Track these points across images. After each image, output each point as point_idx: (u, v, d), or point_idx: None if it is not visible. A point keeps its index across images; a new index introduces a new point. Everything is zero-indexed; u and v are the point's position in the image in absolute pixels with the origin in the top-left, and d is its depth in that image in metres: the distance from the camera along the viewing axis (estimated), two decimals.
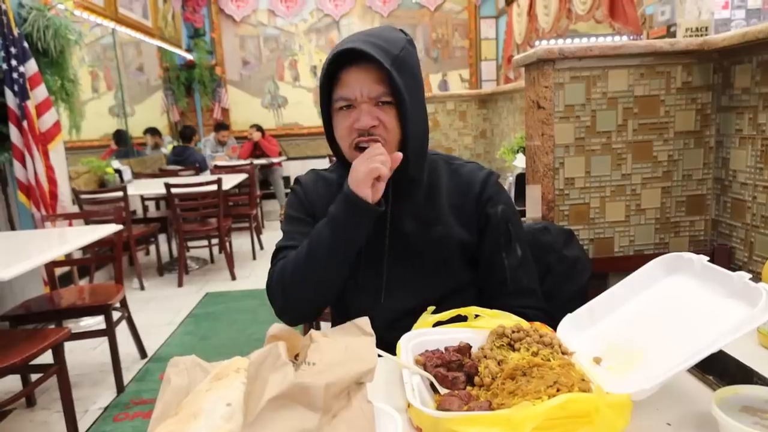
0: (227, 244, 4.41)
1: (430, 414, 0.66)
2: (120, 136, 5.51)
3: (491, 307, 0.96)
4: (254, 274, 4.44)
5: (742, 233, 1.50)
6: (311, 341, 0.63)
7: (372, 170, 0.93)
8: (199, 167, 5.64)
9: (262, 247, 5.27)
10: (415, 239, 1.07)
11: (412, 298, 1.06)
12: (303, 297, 1.03)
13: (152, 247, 4.78)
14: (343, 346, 0.63)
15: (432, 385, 0.78)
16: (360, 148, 0.99)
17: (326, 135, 1.07)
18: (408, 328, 0.92)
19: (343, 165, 1.08)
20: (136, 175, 5.03)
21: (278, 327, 0.62)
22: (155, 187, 4.47)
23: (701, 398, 0.75)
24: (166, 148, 6.24)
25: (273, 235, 5.70)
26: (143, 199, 5.13)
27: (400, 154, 0.97)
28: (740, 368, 0.82)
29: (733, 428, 0.61)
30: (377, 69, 0.96)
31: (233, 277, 4.31)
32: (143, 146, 6.05)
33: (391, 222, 1.07)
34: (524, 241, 1.13)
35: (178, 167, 5.56)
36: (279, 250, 1.12)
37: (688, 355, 0.68)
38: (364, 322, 0.66)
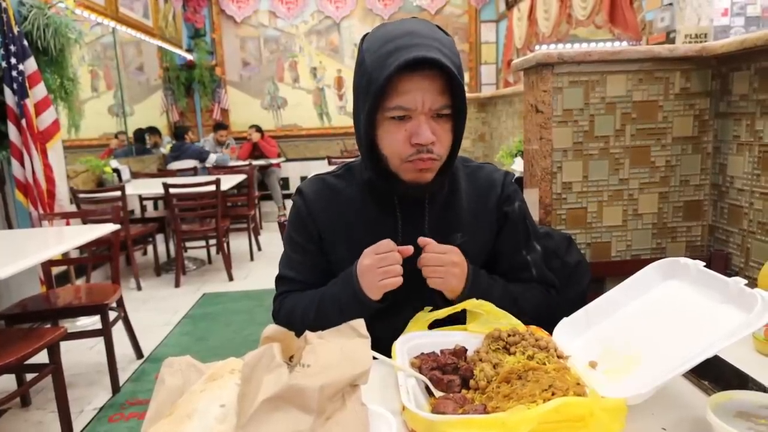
0: (225, 244, 4.40)
1: (425, 417, 0.66)
2: (140, 135, 5.62)
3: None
4: (252, 275, 4.44)
5: (738, 239, 1.50)
6: (306, 343, 0.62)
7: (385, 288, 0.93)
8: (200, 158, 5.70)
9: (260, 248, 5.27)
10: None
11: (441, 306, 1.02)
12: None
13: (150, 247, 4.78)
14: (338, 347, 0.63)
15: (427, 388, 0.78)
16: (414, 162, 0.92)
17: (364, 139, 0.95)
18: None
19: (372, 173, 0.99)
20: (135, 175, 5.03)
21: (273, 328, 0.62)
22: (154, 186, 4.47)
23: (696, 403, 0.75)
24: (165, 148, 6.24)
25: (271, 236, 5.69)
26: (141, 198, 5.12)
27: (410, 249, 0.94)
28: (735, 373, 0.82)
29: None
30: (440, 78, 0.88)
31: (230, 278, 4.31)
32: (155, 145, 6.08)
33: (410, 234, 1.01)
34: (539, 237, 1.13)
35: (178, 162, 5.59)
36: (281, 280, 1.11)
37: (683, 360, 0.68)
38: (359, 323, 0.66)
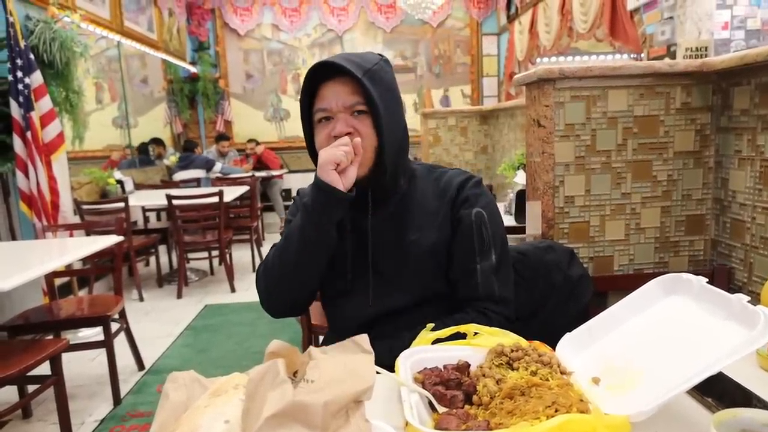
0: (227, 256, 4.41)
1: None
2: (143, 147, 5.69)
3: (458, 311, 1.07)
4: (254, 287, 4.42)
5: (741, 254, 1.50)
6: (310, 358, 0.63)
7: (331, 155, 0.98)
8: (207, 167, 5.75)
9: (262, 259, 5.27)
10: (392, 246, 1.11)
11: (398, 301, 1.11)
12: (281, 285, 1.10)
13: (152, 258, 4.78)
14: (342, 363, 0.63)
15: (430, 403, 0.78)
16: None
17: (308, 149, 1.11)
18: (395, 326, 1.03)
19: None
20: (138, 186, 5.05)
21: (277, 344, 0.62)
22: (157, 198, 4.48)
23: (700, 420, 0.75)
24: (169, 160, 6.27)
25: None
26: (144, 210, 5.14)
27: (358, 140, 1.01)
28: (739, 390, 0.81)
29: None
30: (351, 81, 1.02)
31: (233, 290, 4.31)
32: (159, 156, 6.11)
33: (372, 231, 1.12)
34: (503, 248, 1.12)
35: (186, 172, 5.63)
36: (272, 248, 1.18)
37: (686, 377, 0.68)
38: (363, 339, 0.66)
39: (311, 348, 0.66)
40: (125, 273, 4.26)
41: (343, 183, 0.99)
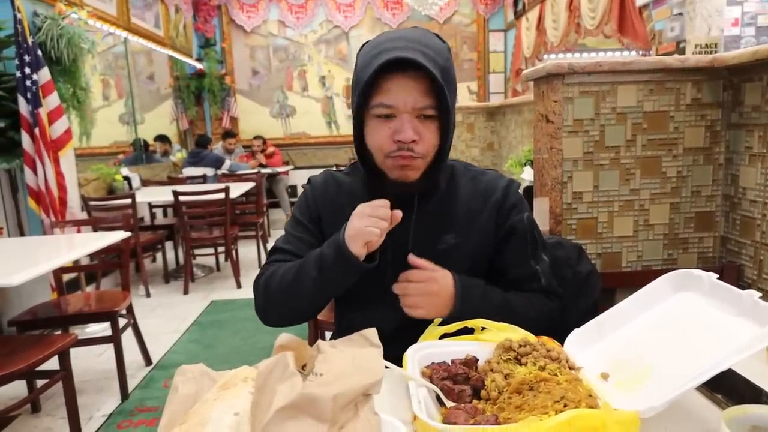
0: (233, 252, 4.42)
1: (436, 427, 0.66)
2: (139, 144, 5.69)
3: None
4: None
5: (751, 251, 1.49)
6: (319, 352, 0.63)
7: (365, 235, 0.90)
8: (216, 165, 5.77)
9: (261, 268, 5.28)
10: (431, 248, 1.05)
11: None
12: (281, 313, 1.07)
13: (159, 255, 4.80)
14: (351, 356, 0.63)
15: (438, 397, 0.78)
16: (395, 158, 0.96)
17: (354, 136, 1.02)
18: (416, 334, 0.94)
19: (363, 170, 1.05)
20: (145, 183, 5.07)
21: (286, 337, 0.62)
22: (164, 194, 4.50)
23: (710, 417, 0.75)
24: (175, 156, 6.29)
25: None
26: (151, 206, 5.16)
27: (399, 214, 0.93)
28: (749, 387, 0.81)
29: None
30: (425, 80, 0.92)
31: (239, 285, 4.32)
32: (153, 153, 6.11)
33: (413, 231, 1.05)
34: (546, 247, 1.13)
35: (196, 168, 5.65)
36: (274, 250, 1.13)
37: (696, 374, 0.68)
38: (371, 333, 0.66)
39: (320, 341, 0.66)
40: (132, 269, 4.28)
41: (367, 249, 0.93)
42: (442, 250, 1.05)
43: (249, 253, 5.25)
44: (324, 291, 1.01)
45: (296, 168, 7.45)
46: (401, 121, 0.94)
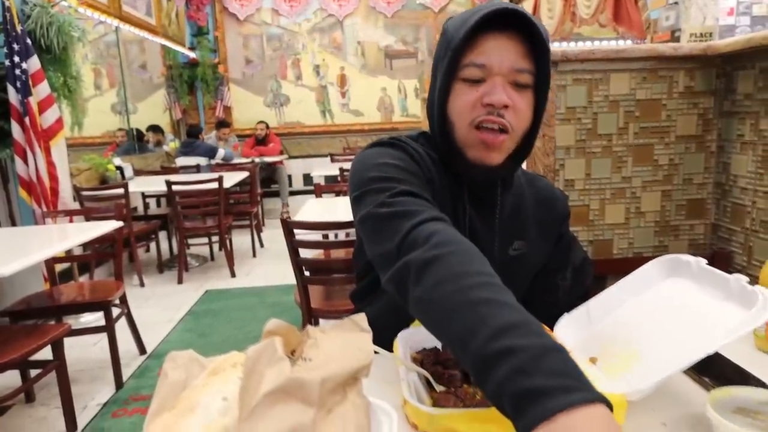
0: (227, 241, 4.41)
1: (426, 411, 0.67)
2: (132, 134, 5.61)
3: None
4: (254, 272, 4.45)
5: (741, 238, 1.50)
6: (308, 337, 0.63)
7: None
8: (210, 155, 5.72)
9: (262, 245, 5.28)
10: (495, 255, 0.95)
11: None
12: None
13: (153, 245, 4.79)
14: (341, 341, 0.63)
15: (428, 383, 0.79)
16: (483, 129, 0.83)
17: (437, 107, 0.87)
18: None
19: (440, 145, 0.90)
20: (138, 172, 5.04)
21: (275, 323, 0.62)
22: (157, 184, 4.48)
23: (697, 399, 0.75)
24: (168, 146, 6.25)
25: (273, 233, 5.70)
26: (144, 196, 5.13)
27: None
28: (736, 371, 0.82)
29: (726, 428, 0.62)
30: (524, 42, 0.81)
31: (233, 275, 4.32)
32: (146, 143, 6.07)
33: (499, 231, 0.95)
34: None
35: (188, 158, 5.62)
36: (397, 196, 0.78)
37: (683, 357, 0.68)
38: (361, 318, 0.66)
39: (309, 327, 0.66)
40: (126, 259, 4.26)
41: None
42: (513, 257, 0.97)
43: (243, 242, 5.24)
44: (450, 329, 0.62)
45: (291, 158, 7.42)
46: (493, 83, 0.81)
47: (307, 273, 2.07)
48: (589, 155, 1.56)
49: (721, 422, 0.62)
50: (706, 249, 1.62)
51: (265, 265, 4.63)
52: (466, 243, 0.70)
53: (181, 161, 5.69)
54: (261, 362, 0.54)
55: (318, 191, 3.35)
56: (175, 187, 4.03)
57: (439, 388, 0.77)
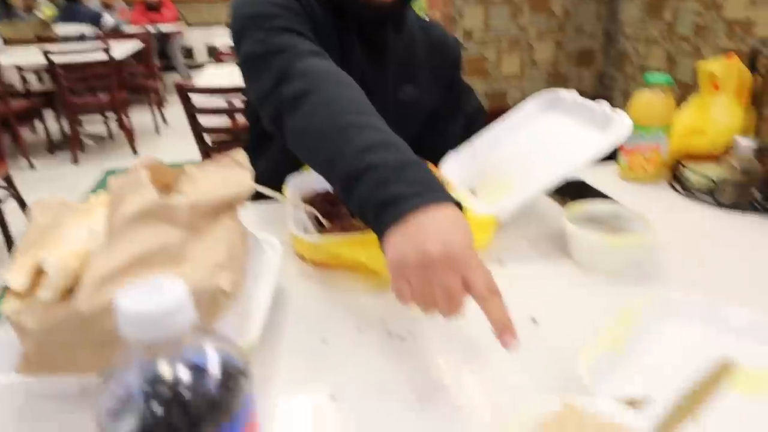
0: (125, 118, 4.11)
1: (310, 240, 0.69)
2: None
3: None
4: (159, 150, 4.23)
5: (622, 84, 1.59)
6: (183, 173, 0.61)
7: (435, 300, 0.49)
8: (95, 21, 5.12)
9: (165, 122, 4.97)
10: (385, 98, 0.94)
11: None
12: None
13: (40, 125, 4.38)
14: (219, 177, 0.62)
15: (318, 221, 0.81)
16: None
17: None
18: None
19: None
20: (8, 42, 4.43)
21: (146, 159, 0.60)
22: (33, 55, 3.97)
23: (558, 216, 0.83)
24: (42, 12, 5.48)
25: (177, 109, 5.32)
26: (20, 69, 4.57)
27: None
28: (597, 195, 0.90)
29: (576, 233, 0.69)
30: None
31: (135, 152, 4.09)
32: (12, 8, 5.28)
33: (362, 72, 0.90)
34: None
35: (71, 26, 4.98)
36: (274, 33, 0.75)
37: (545, 179, 0.74)
38: (241, 155, 0.65)
39: (185, 165, 0.64)
40: (9, 141, 3.89)
41: None
42: (404, 101, 0.98)
43: (144, 119, 4.90)
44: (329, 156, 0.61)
45: (190, 25, 6.77)
46: None
47: (212, 144, 1.99)
48: (488, 3, 1.53)
49: (573, 229, 0.70)
50: (590, 96, 1.71)
51: (171, 143, 4.40)
52: (341, 74, 0.70)
53: (63, 29, 5.04)
54: (125, 190, 0.52)
55: (218, 57, 3.13)
56: (57, 59, 3.60)
57: (327, 225, 0.80)
